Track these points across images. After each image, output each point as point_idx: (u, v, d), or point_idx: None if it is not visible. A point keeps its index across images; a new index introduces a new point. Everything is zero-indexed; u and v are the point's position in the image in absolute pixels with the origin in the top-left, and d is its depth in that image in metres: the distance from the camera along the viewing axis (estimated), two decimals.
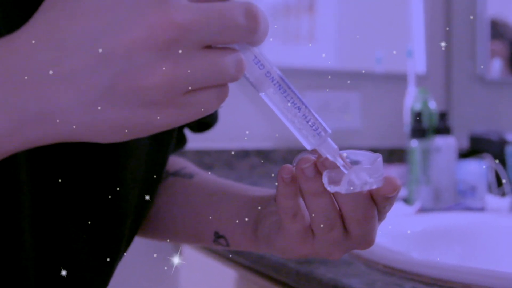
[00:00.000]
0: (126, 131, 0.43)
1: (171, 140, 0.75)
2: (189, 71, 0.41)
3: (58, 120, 0.42)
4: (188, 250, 1.58)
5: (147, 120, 0.43)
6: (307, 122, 0.50)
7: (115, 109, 0.41)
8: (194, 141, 0.89)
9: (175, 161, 0.85)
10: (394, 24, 2.11)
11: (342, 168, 0.51)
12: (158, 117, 0.42)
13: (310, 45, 1.95)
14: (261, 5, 1.88)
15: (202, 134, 0.88)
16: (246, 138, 1.83)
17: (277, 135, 1.86)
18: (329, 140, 0.51)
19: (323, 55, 1.98)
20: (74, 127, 0.42)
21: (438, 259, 0.93)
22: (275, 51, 1.89)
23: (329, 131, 0.51)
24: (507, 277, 0.79)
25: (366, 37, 2.03)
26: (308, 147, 0.51)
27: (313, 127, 0.50)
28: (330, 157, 0.51)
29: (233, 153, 1.81)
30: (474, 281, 0.81)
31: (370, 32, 2.03)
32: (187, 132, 0.88)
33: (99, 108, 0.41)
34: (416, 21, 2.12)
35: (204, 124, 0.85)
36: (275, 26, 1.91)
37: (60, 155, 0.63)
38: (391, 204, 0.55)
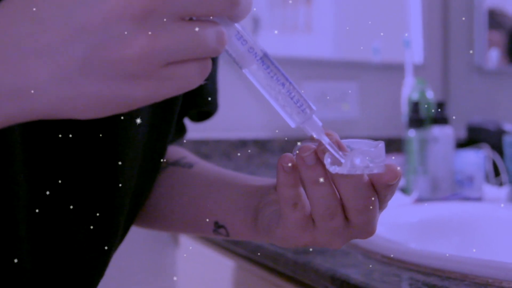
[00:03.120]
0: (106, 105, 0.42)
1: (170, 129, 0.74)
2: (167, 42, 0.40)
3: (34, 95, 0.41)
4: (186, 239, 1.58)
5: (126, 94, 0.42)
6: (291, 98, 0.49)
7: (92, 82, 0.41)
8: (192, 130, 0.89)
9: (175, 151, 0.84)
10: (392, 14, 2.10)
11: (327, 146, 0.50)
12: (138, 91, 0.41)
13: (311, 34, 1.95)
14: None
15: (200, 123, 0.88)
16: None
17: (277, 130, 1.86)
18: (314, 117, 0.51)
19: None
20: (51, 102, 0.41)
21: (437, 248, 0.93)
22: (272, 41, 1.89)
23: (314, 108, 0.50)
24: (504, 266, 0.79)
25: (364, 27, 2.03)
26: (293, 125, 0.50)
27: (298, 104, 0.49)
28: (315, 135, 0.51)
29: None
30: (472, 271, 0.81)
31: (367, 22, 2.03)
32: (187, 121, 0.87)
33: (76, 82, 0.41)
34: (413, 11, 2.11)
35: (204, 113, 0.84)
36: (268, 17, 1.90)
37: (57, 144, 0.63)
38: (392, 193, 0.55)
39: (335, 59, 1.99)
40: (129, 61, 0.40)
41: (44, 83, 0.40)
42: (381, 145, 0.51)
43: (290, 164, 0.53)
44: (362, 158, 0.50)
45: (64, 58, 0.40)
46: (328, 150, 0.51)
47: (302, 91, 0.50)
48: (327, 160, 0.51)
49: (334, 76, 1.98)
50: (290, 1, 1.90)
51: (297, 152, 0.52)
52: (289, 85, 0.49)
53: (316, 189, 0.53)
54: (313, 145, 0.52)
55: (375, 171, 0.51)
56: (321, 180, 0.53)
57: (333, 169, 0.51)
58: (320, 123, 0.51)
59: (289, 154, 0.54)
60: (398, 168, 0.53)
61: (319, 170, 0.52)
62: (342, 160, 0.50)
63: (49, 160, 0.63)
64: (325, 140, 0.51)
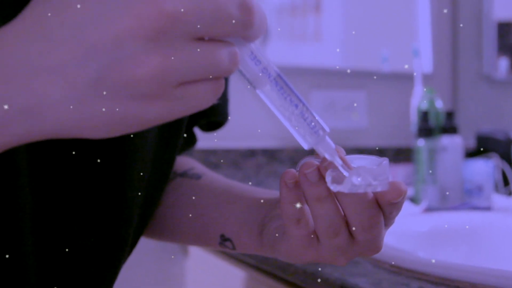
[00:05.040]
0: (117, 125, 0.42)
1: (179, 139, 0.74)
2: (179, 62, 0.40)
3: (44, 115, 0.40)
4: (195, 250, 1.58)
5: (139, 114, 0.41)
6: (305, 120, 0.49)
7: (104, 102, 0.40)
8: (200, 140, 0.89)
9: (183, 162, 0.84)
10: (401, 23, 2.11)
11: (340, 168, 0.50)
12: (150, 111, 0.41)
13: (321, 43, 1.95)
14: (268, 4, 1.88)
15: (209, 133, 0.88)
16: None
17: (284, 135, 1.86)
18: (328, 139, 0.50)
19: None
20: (62, 122, 0.41)
21: (446, 258, 0.93)
22: (281, 50, 1.89)
23: (327, 130, 0.49)
24: None
25: (373, 36, 2.03)
26: (305, 146, 0.50)
27: (311, 126, 0.49)
28: (328, 157, 0.50)
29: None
30: (481, 280, 0.81)
31: (376, 31, 2.03)
32: (196, 131, 0.87)
33: (87, 101, 0.40)
34: (422, 20, 2.12)
35: (215, 123, 0.84)
36: (278, 29, 1.91)
37: (64, 156, 0.62)
38: (398, 210, 0.54)
39: (344, 68, 1.99)
40: (142, 81, 0.39)
41: (55, 102, 0.40)
42: (385, 162, 0.50)
43: (293, 181, 0.53)
44: (364, 176, 0.49)
45: (76, 77, 0.39)
46: (332, 167, 0.50)
47: (316, 114, 0.50)
48: (328, 178, 0.50)
49: (343, 85, 1.98)
50: (300, 10, 1.91)
51: (300, 168, 0.52)
52: (302, 106, 0.48)
53: (319, 206, 0.53)
54: (316, 162, 0.51)
55: (379, 189, 0.50)
56: (324, 196, 0.52)
57: (334, 187, 0.50)
58: (333, 145, 0.50)
59: (292, 170, 0.53)
60: (403, 186, 0.52)
61: (322, 187, 0.51)
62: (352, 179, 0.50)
63: (54, 172, 0.62)
64: (338, 162, 0.50)
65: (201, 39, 0.41)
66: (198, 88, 0.42)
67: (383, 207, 0.53)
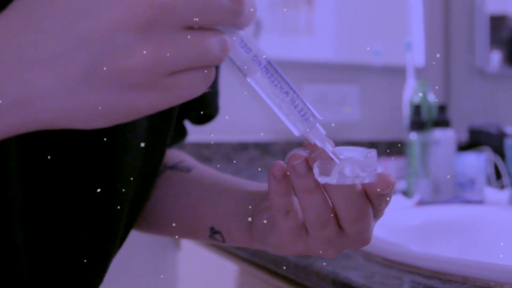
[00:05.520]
0: (109, 115, 0.42)
1: (169, 132, 0.74)
2: (171, 52, 0.40)
3: (37, 106, 0.40)
4: (187, 243, 1.58)
5: (130, 104, 0.41)
6: (295, 107, 0.49)
7: (96, 92, 0.40)
8: (193, 133, 0.89)
9: (173, 154, 0.84)
10: (393, 16, 2.10)
11: (331, 154, 0.50)
12: (142, 100, 0.41)
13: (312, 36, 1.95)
14: None
15: (201, 126, 0.87)
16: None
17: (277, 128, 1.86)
18: (318, 125, 0.50)
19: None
20: (54, 113, 0.41)
21: (438, 251, 0.93)
22: (273, 43, 1.89)
23: (318, 116, 0.50)
24: (505, 269, 0.79)
25: (365, 30, 2.03)
26: (296, 133, 0.50)
27: (301, 113, 0.49)
28: (318, 143, 0.50)
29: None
30: (473, 273, 0.81)
31: (369, 25, 2.03)
32: (188, 124, 0.87)
33: (79, 92, 0.40)
34: (415, 13, 2.12)
35: (205, 116, 0.84)
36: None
37: (54, 149, 0.62)
38: (386, 202, 0.54)
39: (336, 62, 1.99)
40: (133, 71, 0.40)
41: (47, 93, 0.40)
42: (373, 153, 0.50)
43: (281, 172, 0.53)
44: (352, 168, 0.49)
45: (67, 68, 0.40)
46: (320, 159, 0.50)
47: (306, 100, 0.50)
48: (315, 170, 0.50)
49: (336, 79, 1.98)
50: (292, 3, 1.90)
51: (288, 159, 0.52)
52: (293, 94, 0.49)
53: (308, 198, 0.53)
54: (304, 153, 0.51)
55: (367, 180, 0.50)
56: (313, 188, 0.52)
57: (321, 179, 0.50)
58: (323, 132, 0.50)
59: (280, 162, 0.53)
60: (392, 177, 0.52)
61: (310, 178, 0.51)
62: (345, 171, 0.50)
63: (45, 165, 0.62)
64: (329, 149, 0.50)
65: (191, 27, 0.41)
66: (189, 76, 0.42)
67: (371, 199, 0.53)
